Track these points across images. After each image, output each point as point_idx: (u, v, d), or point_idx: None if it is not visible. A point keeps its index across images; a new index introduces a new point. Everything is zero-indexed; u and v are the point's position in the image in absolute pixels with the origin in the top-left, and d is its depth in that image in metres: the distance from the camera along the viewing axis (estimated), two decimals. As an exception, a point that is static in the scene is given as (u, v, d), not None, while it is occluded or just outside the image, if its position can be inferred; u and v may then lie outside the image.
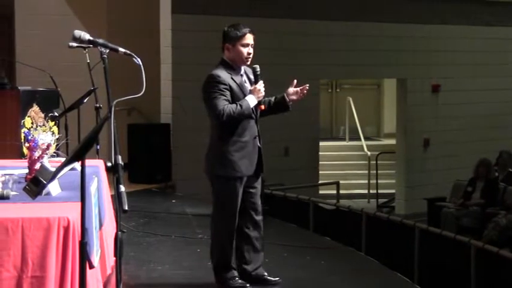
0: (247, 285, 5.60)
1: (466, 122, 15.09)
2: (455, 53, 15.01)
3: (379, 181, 15.66)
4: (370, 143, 17.24)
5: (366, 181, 15.77)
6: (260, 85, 5.51)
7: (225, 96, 5.40)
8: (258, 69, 5.54)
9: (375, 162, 15.84)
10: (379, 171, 15.77)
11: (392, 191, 15.09)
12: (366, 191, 15.70)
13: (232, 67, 5.51)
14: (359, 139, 16.95)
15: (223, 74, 5.44)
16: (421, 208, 12.88)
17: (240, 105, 5.40)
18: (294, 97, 5.66)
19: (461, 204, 11.37)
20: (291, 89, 5.67)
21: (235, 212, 5.52)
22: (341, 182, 14.34)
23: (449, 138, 14.87)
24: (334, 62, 13.52)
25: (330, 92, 18.60)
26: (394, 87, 15.52)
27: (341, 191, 14.23)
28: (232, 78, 5.47)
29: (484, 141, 15.13)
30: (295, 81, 5.68)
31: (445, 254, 8.73)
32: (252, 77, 5.62)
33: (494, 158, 12.43)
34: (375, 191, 15.61)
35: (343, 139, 17.82)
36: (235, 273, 5.61)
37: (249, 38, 5.48)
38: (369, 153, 16.15)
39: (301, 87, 5.64)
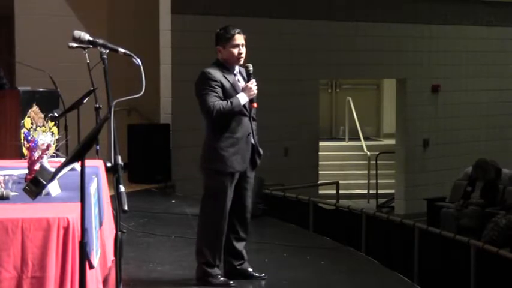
0: (231, 282, 5.68)
1: (465, 122, 15.09)
2: (455, 53, 15.01)
3: (378, 181, 15.65)
4: (369, 143, 17.23)
5: (366, 181, 15.76)
6: (252, 83, 5.62)
7: (216, 92, 5.53)
8: (251, 67, 5.66)
9: (374, 162, 15.83)
10: (378, 171, 15.77)
11: (392, 191, 15.08)
12: (365, 191, 15.69)
13: (225, 66, 5.63)
14: (358, 139, 16.93)
15: (215, 72, 5.58)
16: (421, 208, 12.87)
17: (231, 102, 5.53)
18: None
19: (462, 205, 11.36)
20: None
21: (225, 207, 5.59)
22: (340, 182, 14.32)
23: (449, 139, 14.86)
24: (333, 62, 13.52)
25: (329, 92, 18.57)
26: (393, 87, 15.51)
27: (341, 191, 14.20)
28: (224, 77, 5.60)
29: (484, 141, 15.14)
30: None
31: (444, 254, 8.72)
32: (245, 76, 5.73)
33: (493, 158, 12.40)
34: (374, 191, 15.60)
35: (343, 139, 17.80)
36: (218, 271, 5.68)
37: (239, 39, 5.61)
38: (368, 153, 16.14)
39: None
